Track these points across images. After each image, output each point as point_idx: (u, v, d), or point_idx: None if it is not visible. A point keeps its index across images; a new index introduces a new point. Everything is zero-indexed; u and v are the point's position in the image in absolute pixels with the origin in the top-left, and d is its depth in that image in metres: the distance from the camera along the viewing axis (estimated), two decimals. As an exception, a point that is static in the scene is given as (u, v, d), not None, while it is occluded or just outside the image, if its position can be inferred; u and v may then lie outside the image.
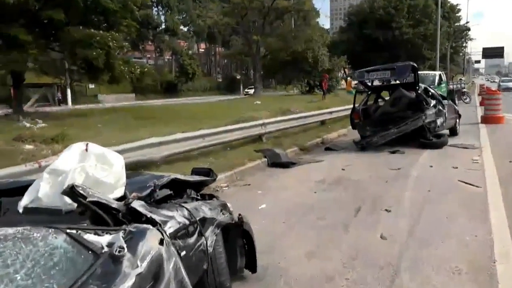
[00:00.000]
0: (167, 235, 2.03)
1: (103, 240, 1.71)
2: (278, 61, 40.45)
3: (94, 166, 2.13)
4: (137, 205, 2.07)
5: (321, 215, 4.87)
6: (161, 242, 1.92)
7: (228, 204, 3.17)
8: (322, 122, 13.01)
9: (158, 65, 71.17)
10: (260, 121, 9.48)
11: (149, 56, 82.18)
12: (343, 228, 4.40)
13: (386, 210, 4.96)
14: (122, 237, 1.77)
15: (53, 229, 1.63)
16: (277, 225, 4.65)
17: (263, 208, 5.35)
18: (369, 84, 10.52)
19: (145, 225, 1.94)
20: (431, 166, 7.36)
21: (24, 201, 2.07)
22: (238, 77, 72.89)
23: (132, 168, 6.23)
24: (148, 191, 2.28)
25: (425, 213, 4.78)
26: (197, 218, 2.45)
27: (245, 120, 9.95)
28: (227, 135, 8.12)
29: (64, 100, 39.18)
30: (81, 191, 1.89)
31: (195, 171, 3.37)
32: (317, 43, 37.81)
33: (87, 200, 1.90)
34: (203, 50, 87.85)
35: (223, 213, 2.83)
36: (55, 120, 15.93)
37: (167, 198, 2.51)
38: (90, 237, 1.69)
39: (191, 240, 2.31)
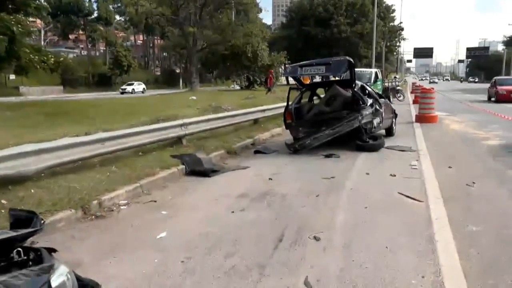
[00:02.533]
0: None
1: None
2: (217, 55, 39.14)
3: None
4: None
5: (233, 249, 3.78)
6: None
7: (61, 269, 1.94)
8: (255, 121, 12.01)
9: (91, 56, 67.08)
10: (180, 121, 8.20)
11: (82, 46, 77.35)
12: (258, 271, 3.33)
13: (315, 237, 3.98)
14: None
15: None
16: (173, 266, 3.49)
17: (162, 237, 4.16)
18: (302, 80, 9.64)
19: None
20: (368, 174, 6.57)
21: None
22: (178, 70, 70.56)
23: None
24: None
25: (361, 242, 3.86)
26: None
27: (162, 119, 8.66)
28: (136, 139, 6.78)
29: (-24, 92, 35.24)
30: None
31: (13, 215, 2.15)
32: (256, 38, 36.95)
33: None
34: (141, 42, 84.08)
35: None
36: None
37: None
38: None
39: None
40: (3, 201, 4.63)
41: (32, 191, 5.02)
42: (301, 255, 3.62)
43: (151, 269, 3.45)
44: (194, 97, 23.53)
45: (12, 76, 39.24)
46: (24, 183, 5.11)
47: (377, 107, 9.02)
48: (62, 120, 11.84)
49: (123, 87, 45.87)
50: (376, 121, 8.91)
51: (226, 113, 10.45)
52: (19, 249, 1.96)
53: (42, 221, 2.05)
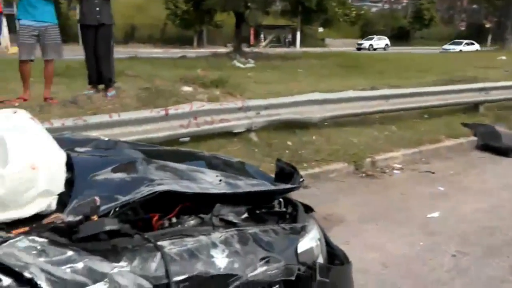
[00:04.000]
0: None
1: None
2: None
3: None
4: (3, 252, 1.06)
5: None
6: None
7: (312, 234, 1.80)
8: None
9: (392, 10, 66.40)
10: (479, 85, 6.88)
11: (385, 0, 77.48)
12: None
13: None
14: None
15: None
16: (440, 257, 2.95)
17: (434, 218, 3.61)
18: None
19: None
20: None
21: None
22: (488, 25, 61.18)
23: (282, 128, 5.26)
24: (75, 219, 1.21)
25: None
26: (179, 278, 1.27)
27: (458, 80, 7.50)
28: (423, 99, 6.09)
29: (293, 42, 40.91)
30: None
31: (278, 166, 2.14)
32: None
33: None
34: (448, -8, 76.79)
35: (269, 262, 1.53)
36: (265, 61, 16.31)
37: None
38: None
39: None
40: (288, 142, 5.08)
41: (314, 137, 5.30)
42: None
43: (414, 252, 3.03)
44: (504, 57, 19.86)
45: (320, 29, 43.20)
46: (308, 129, 5.43)
47: None
48: (353, 72, 12.21)
49: (360, 42, 39.02)
50: None
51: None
52: (280, 199, 1.92)
53: (302, 179, 1.93)
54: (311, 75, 11.52)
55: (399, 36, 52.58)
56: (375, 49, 35.87)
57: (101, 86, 4.90)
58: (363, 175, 4.78)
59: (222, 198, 1.64)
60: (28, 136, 1.29)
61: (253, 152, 4.68)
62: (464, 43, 34.81)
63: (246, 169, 2.13)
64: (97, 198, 1.24)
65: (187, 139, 4.38)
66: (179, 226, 1.53)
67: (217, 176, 1.72)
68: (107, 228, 1.18)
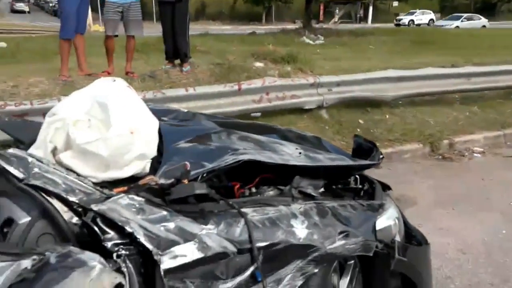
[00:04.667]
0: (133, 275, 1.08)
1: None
2: None
3: (87, 122, 1.29)
4: (108, 208, 1.16)
5: None
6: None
7: (389, 212, 1.76)
8: None
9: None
10: None
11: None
12: None
13: None
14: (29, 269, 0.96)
15: None
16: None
17: (518, 205, 3.37)
18: None
19: (80, 254, 1.02)
20: None
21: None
22: None
23: (354, 106, 5.12)
24: (169, 181, 1.29)
25: None
26: (261, 244, 1.32)
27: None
28: (510, 78, 5.58)
29: (365, 18, 39.25)
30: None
31: (356, 142, 2.10)
32: None
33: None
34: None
35: (347, 236, 1.53)
36: (335, 37, 15.80)
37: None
38: None
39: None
40: (360, 121, 4.95)
41: (387, 116, 5.11)
42: None
43: (494, 239, 2.86)
44: None
45: (395, 3, 40.83)
46: (381, 107, 5.23)
47: None
48: (427, 48, 11.41)
49: (399, 17, 34.34)
50: None
51: None
52: (357, 176, 1.90)
53: (381, 156, 1.88)
54: (383, 52, 10.98)
55: (483, 9, 48.22)
56: (418, 25, 31.33)
57: (177, 61, 5.07)
58: (439, 157, 4.56)
59: (301, 170, 1.65)
60: (127, 102, 1.38)
61: (323, 129, 4.63)
62: (463, 17, 28.84)
63: (323, 144, 2.11)
64: (187, 163, 1.31)
65: (258, 114, 4.43)
66: (259, 195, 1.57)
67: (296, 148, 1.73)
68: (197, 191, 1.25)
